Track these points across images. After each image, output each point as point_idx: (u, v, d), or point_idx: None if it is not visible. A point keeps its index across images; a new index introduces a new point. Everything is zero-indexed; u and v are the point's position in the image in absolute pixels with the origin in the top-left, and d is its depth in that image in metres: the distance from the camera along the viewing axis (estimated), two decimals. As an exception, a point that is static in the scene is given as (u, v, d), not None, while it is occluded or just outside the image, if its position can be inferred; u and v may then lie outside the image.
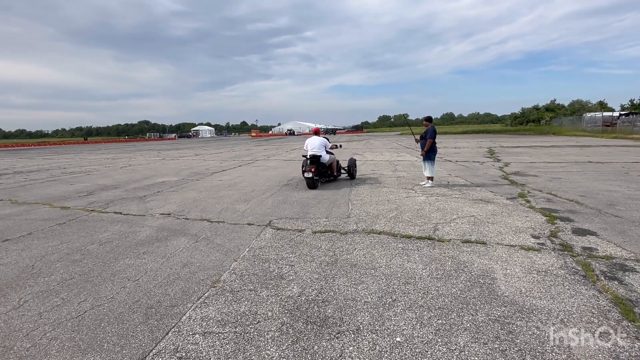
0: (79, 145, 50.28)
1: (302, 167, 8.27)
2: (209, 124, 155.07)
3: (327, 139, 8.80)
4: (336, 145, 9.29)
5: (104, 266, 3.82)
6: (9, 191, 9.16)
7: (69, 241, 4.71)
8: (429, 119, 7.95)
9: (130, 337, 2.53)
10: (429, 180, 7.97)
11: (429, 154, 7.83)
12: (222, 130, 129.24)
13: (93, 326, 2.68)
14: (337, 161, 9.15)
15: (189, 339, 2.49)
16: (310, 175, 7.85)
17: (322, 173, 8.44)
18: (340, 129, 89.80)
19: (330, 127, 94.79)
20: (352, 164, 9.20)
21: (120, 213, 6.24)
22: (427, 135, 7.77)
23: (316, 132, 9.03)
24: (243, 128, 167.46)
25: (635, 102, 42.50)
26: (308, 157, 8.31)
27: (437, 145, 8.00)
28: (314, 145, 8.39)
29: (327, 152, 8.60)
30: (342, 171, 9.40)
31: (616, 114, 37.49)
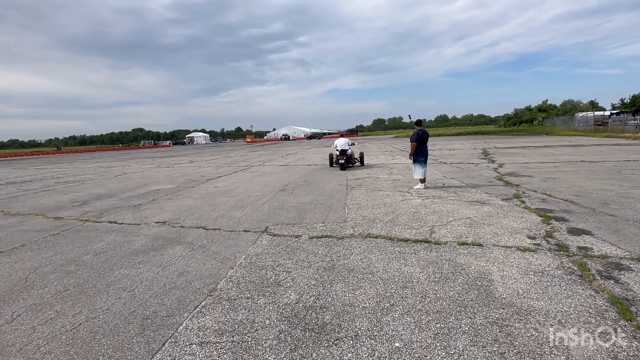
0: (65, 155, 49.86)
1: (332, 158, 13.46)
2: (203, 131, 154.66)
3: (349, 139, 13.58)
4: (354, 143, 14.13)
5: (98, 277, 3.78)
6: (1, 202, 9.05)
7: (63, 252, 4.66)
8: (418, 123, 8.08)
9: (126, 349, 2.50)
10: (421, 183, 8.03)
11: (415, 157, 7.96)
12: (217, 137, 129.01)
13: (88, 339, 2.64)
14: (353, 153, 13.46)
15: (185, 349, 2.46)
16: (343, 161, 12.43)
17: (347, 161, 12.73)
18: (326, 134, 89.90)
19: (316, 130, 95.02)
20: (362, 156, 13.82)
21: (115, 222, 6.18)
22: (412, 139, 7.97)
23: (342, 135, 14.76)
24: (238, 134, 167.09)
25: (625, 101, 43.06)
26: (339, 151, 12.60)
27: (428, 147, 8.06)
28: (342, 143, 12.88)
29: (349, 147, 12.99)
30: (356, 161, 13.64)
31: (607, 113, 37.96)
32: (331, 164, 13.64)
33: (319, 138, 75.10)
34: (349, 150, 12.84)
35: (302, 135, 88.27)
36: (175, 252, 4.45)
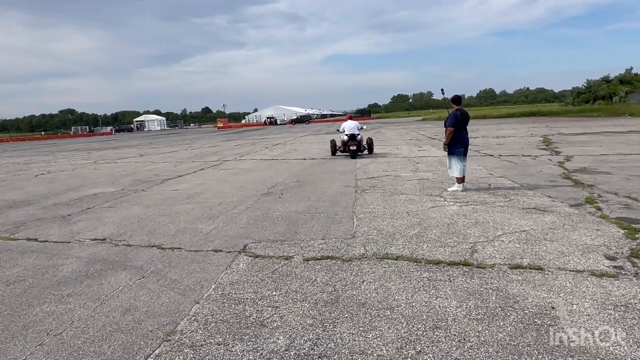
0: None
1: (335, 145, 15.25)
2: (158, 112, 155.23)
3: (358, 123, 15.30)
4: (363, 127, 15.66)
5: (12, 316, 3.77)
6: None
7: (-37, 281, 4.65)
8: (456, 100, 7.99)
9: (51, 415, 2.49)
10: (459, 184, 8.00)
11: (452, 147, 7.88)
12: (177, 121, 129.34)
13: (-3, 402, 2.63)
14: (362, 139, 15.06)
15: (133, 416, 2.45)
16: (354, 148, 14.14)
17: (358, 146, 14.29)
18: (326, 116, 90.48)
19: (304, 113, 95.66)
20: (371, 142, 15.67)
21: (36, 240, 6.18)
22: (447, 123, 7.93)
23: (350, 117, 16.86)
24: (206, 117, 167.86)
25: None
26: (348, 136, 14.35)
27: (468, 134, 8.04)
28: (351, 126, 14.50)
29: (359, 132, 14.62)
30: (364, 148, 15.09)
31: None
32: (334, 153, 15.25)
33: (307, 122, 75.43)
34: (359, 135, 14.42)
35: (295, 117, 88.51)
36: (119, 280, 4.45)
